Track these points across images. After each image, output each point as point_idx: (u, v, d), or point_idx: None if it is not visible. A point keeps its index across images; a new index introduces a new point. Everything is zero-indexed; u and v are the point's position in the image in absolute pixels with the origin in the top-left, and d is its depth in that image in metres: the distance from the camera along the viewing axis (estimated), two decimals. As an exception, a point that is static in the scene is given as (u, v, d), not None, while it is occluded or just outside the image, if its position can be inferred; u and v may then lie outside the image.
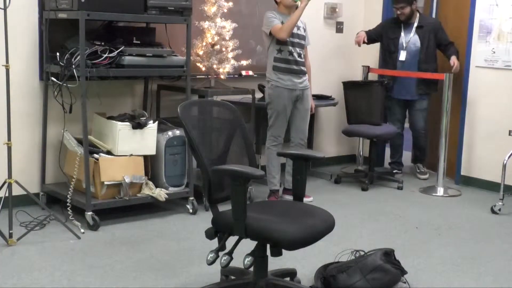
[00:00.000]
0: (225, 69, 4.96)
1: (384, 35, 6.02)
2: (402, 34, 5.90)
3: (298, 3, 4.77)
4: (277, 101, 4.89)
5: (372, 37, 6.06)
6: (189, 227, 4.34)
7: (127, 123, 4.40)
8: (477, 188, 5.74)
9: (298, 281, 3.32)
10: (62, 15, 4.20)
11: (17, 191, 3.99)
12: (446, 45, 5.85)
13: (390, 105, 6.09)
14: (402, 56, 5.88)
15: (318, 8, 6.19)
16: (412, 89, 5.93)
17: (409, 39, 5.86)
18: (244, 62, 5.14)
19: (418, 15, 5.92)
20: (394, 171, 6.22)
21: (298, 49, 4.89)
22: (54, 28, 4.30)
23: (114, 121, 4.40)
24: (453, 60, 5.72)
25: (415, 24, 5.87)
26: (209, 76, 5.03)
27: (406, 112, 6.21)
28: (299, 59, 4.90)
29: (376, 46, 6.49)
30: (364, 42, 6.03)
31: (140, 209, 4.57)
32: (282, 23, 4.80)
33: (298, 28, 4.89)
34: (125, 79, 4.87)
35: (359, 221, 4.63)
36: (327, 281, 3.25)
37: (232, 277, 3.26)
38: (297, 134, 5.03)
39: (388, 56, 6.00)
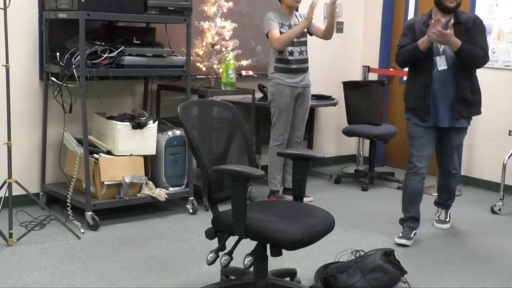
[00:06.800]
0: (225, 69, 4.96)
1: (411, 41, 4.12)
2: None
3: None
4: (279, 98, 4.89)
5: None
6: (189, 227, 4.34)
7: (127, 123, 4.40)
8: (477, 188, 5.73)
9: (298, 281, 3.32)
10: (62, 15, 4.20)
11: (17, 191, 3.99)
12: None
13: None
14: (441, 62, 4.05)
15: (318, 8, 6.17)
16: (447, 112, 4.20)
17: None
18: (244, 62, 5.15)
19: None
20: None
21: (299, 48, 4.88)
22: (54, 28, 4.31)
23: (114, 121, 4.40)
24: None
25: (451, 21, 4.01)
26: (209, 76, 5.03)
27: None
28: (300, 57, 4.89)
29: (377, 46, 6.50)
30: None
31: (140, 209, 4.57)
32: (282, 24, 4.81)
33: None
34: (125, 79, 4.87)
35: (359, 221, 4.63)
36: (327, 281, 3.25)
37: (232, 277, 3.26)
38: (294, 132, 5.03)
39: (418, 65, 4.11)
